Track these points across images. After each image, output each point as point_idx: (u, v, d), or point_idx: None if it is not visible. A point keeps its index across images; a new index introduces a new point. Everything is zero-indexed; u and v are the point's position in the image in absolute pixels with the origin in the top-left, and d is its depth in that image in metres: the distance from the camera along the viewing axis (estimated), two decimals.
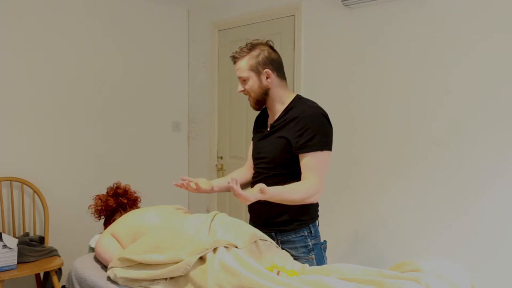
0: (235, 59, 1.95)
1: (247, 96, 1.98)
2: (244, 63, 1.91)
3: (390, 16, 2.76)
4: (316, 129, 1.82)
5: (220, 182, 2.06)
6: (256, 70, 1.90)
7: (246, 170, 2.15)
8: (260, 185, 1.60)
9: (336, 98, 3.03)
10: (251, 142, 2.16)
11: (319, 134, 1.82)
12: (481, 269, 2.41)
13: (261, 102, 1.96)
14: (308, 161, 1.82)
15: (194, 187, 1.87)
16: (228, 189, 2.06)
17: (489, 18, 2.39)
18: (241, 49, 1.94)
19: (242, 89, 1.95)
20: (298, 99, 1.96)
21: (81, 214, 2.93)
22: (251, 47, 1.93)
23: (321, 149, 1.82)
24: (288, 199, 1.76)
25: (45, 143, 3.37)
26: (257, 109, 2.00)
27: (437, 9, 2.57)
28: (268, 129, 1.99)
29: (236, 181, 1.56)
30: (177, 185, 1.85)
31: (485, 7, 2.40)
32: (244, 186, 2.10)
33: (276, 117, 1.96)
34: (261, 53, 1.91)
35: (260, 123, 2.10)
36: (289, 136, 1.86)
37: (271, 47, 1.96)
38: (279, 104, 1.95)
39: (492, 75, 2.39)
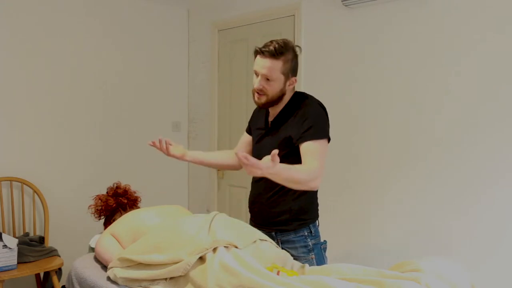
0: (270, 54, 1.83)
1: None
2: (279, 65, 1.84)
3: (390, 16, 2.76)
4: (314, 119, 1.84)
5: (195, 154, 2.10)
6: (287, 75, 1.89)
7: (232, 154, 2.18)
8: (274, 153, 1.50)
9: (336, 98, 3.03)
10: (245, 133, 2.20)
11: (317, 124, 1.84)
12: (481, 269, 2.41)
13: (273, 104, 1.93)
14: (308, 147, 1.81)
15: (165, 147, 1.96)
16: (201, 163, 2.11)
17: (489, 18, 2.39)
18: (275, 47, 1.83)
19: (261, 87, 1.88)
20: (296, 94, 1.98)
21: (81, 214, 2.93)
22: (286, 47, 1.86)
23: (320, 137, 1.83)
24: (292, 178, 1.70)
25: (45, 143, 3.37)
26: (264, 107, 1.97)
27: (437, 9, 2.57)
28: (269, 126, 2.00)
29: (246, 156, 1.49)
30: (150, 144, 1.95)
31: (485, 7, 2.40)
32: (224, 167, 2.22)
33: (277, 114, 1.97)
34: (293, 59, 1.89)
35: (258, 120, 2.10)
36: (288, 131, 1.88)
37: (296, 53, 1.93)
38: (282, 103, 1.96)
39: (492, 75, 2.39)
